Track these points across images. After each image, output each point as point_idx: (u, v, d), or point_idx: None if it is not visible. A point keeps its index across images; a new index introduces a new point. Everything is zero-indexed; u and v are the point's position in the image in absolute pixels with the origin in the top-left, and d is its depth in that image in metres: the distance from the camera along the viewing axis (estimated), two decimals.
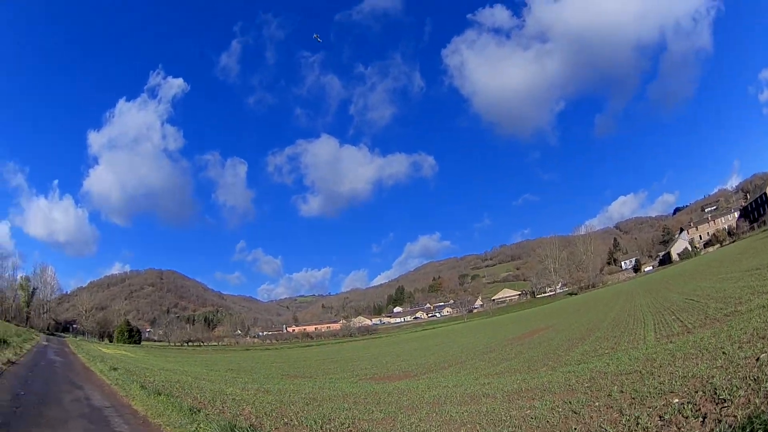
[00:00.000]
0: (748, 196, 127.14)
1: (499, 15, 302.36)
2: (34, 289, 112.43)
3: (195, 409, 11.83)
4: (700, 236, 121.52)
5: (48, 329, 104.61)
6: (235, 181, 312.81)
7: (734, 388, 7.43)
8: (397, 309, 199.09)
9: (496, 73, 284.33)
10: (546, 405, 10.02)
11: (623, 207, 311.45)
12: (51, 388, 16.34)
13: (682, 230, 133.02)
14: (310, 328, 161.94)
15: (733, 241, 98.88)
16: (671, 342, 15.13)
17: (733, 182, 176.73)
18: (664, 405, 7.85)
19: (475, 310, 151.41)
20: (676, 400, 7.85)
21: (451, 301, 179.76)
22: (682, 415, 6.97)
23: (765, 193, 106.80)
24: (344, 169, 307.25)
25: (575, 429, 7.77)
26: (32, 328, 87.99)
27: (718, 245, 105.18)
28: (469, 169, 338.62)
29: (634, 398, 8.90)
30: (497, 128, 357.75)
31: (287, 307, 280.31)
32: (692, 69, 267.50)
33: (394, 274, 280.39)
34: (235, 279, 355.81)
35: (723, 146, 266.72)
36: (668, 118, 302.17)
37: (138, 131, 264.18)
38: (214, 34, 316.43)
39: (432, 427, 9.78)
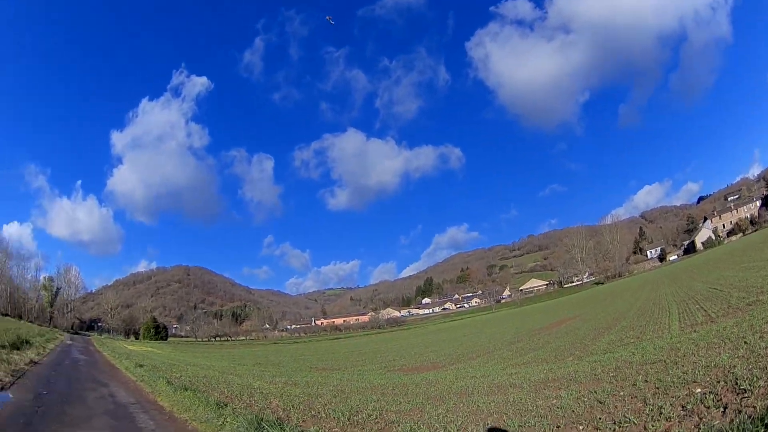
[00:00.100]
0: None
1: (522, 7, 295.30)
2: (57, 288, 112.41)
3: (222, 404, 11.51)
4: (723, 225, 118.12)
5: (72, 328, 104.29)
6: (261, 177, 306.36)
7: (755, 378, 7.38)
8: (426, 300, 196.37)
9: (520, 64, 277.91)
10: (572, 395, 9.97)
11: (648, 196, 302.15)
12: (74, 387, 15.76)
13: (705, 219, 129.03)
14: (339, 321, 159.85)
15: (756, 230, 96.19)
16: (695, 331, 14.92)
17: (754, 171, 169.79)
18: (686, 395, 7.80)
19: (503, 301, 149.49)
20: (699, 390, 7.81)
21: (480, 292, 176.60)
22: (704, 405, 6.95)
23: None
24: (371, 162, 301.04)
25: (600, 419, 7.79)
26: (55, 327, 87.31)
27: (741, 234, 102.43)
28: (496, 160, 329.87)
29: (658, 388, 8.83)
30: (523, 120, 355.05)
31: (316, 300, 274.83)
32: (712, 59, 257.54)
33: (423, 266, 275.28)
34: (263, 273, 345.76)
35: (744, 135, 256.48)
36: (690, 108, 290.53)
37: (162, 130, 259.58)
38: (236, 32, 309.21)
39: (459, 417, 9.74)
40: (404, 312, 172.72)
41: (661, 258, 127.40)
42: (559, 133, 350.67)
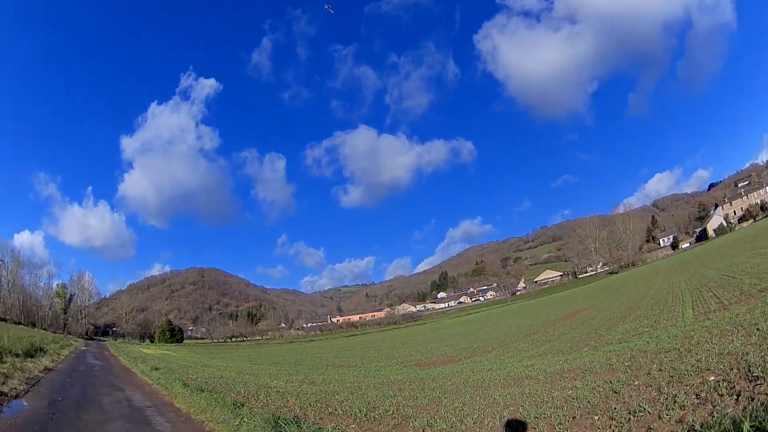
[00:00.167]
0: None
1: None
2: (71, 295, 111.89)
3: (239, 404, 11.40)
4: (734, 211, 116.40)
5: (87, 334, 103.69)
6: (274, 177, 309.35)
7: (767, 365, 7.33)
8: (441, 294, 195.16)
9: (528, 56, 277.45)
10: (587, 385, 9.90)
11: (659, 184, 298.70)
12: (89, 392, 15.48)
13: (716, 206, 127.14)
14: (355, 318, 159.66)
15: (766, 216, 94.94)
16: (708, 319, 14.74)
17: (763, 157, 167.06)
18: (700, 383, 7.74)
19: (518, 293, 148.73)
20: (712, 378, 7.75)
21: (495, 285, 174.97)
22: (717, 393, 6.89)
23: None
24: (383, 158, 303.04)
25: (615, 408, 7.75)
26: (70, 334, 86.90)
27: (752, 220, 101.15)
28: (508, 152, 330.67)
29: (672, 376, 8.76)
30: (533, 111, 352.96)
31: (331, 298, 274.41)
32: (717, 45, 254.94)
33: (437, 260, 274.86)
34: (278, 273, 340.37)
35: (753, 120, 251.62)
36: (698, 95, 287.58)
37: (172, 133, 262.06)
38: (243, 33, 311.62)
39: (475, 410, 9.67)
40: (420, 307, 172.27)
41: (674, 246, 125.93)
42: (570, 124, 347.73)
